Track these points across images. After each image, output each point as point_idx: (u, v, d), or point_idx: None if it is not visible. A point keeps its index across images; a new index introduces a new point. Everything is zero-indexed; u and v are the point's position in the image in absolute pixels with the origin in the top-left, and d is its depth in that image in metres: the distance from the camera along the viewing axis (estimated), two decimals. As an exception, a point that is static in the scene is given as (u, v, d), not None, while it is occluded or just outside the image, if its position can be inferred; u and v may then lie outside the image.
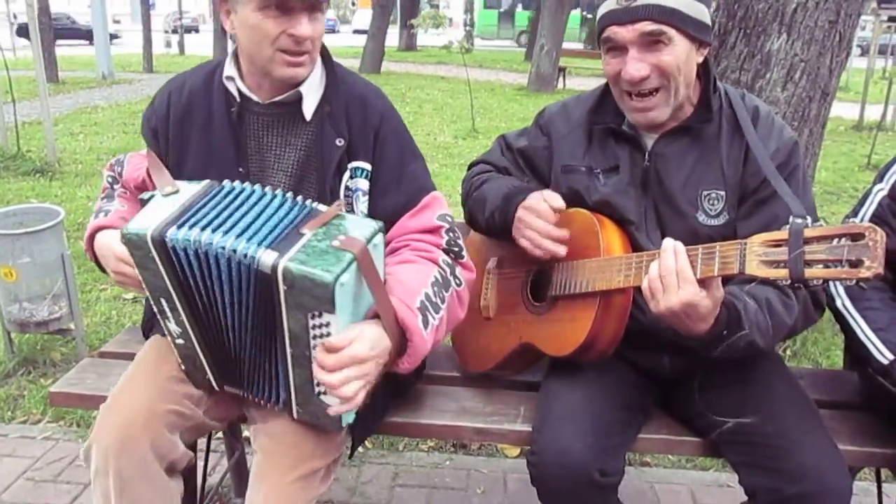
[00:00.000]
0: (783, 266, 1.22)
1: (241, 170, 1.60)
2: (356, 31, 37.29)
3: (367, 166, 1.60)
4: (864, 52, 14.06)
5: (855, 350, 1.69)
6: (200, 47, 22.33)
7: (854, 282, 1.17)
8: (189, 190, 1.47)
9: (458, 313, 1.59)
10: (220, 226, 1.37)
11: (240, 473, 2.38)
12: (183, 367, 1.60)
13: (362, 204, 1.60)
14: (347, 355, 1.30)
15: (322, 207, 1.44)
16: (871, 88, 10.72)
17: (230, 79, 1.60)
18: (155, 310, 1.51)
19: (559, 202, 1.62)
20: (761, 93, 2.93)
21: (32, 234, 2.92)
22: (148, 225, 1.38)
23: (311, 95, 1.60)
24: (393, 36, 26.36)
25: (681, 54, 1.52)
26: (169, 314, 1.49)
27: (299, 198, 1.45)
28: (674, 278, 1.34)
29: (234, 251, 1.34)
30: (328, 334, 1.33)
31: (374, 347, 1.34)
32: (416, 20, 11.34)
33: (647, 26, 1.50)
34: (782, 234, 1.24)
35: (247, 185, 1.46)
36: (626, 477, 1.54)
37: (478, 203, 1.79)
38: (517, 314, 1.77)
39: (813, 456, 1.46)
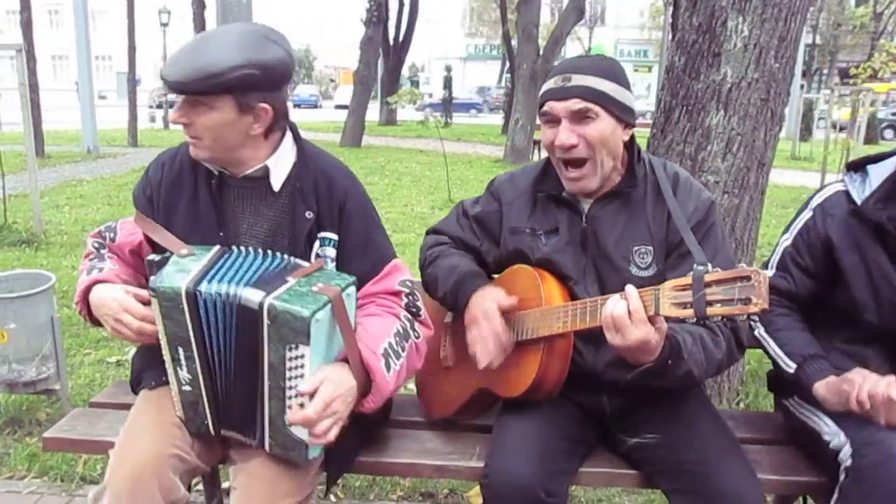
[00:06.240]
0: (690, 307, 1.44)
1: (221, 234, 1.80)
2: (338, 107, 38.19)
3: (334, 236, 1.81)
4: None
5: (774, 367, 1.95)
6: (185, 122, 22.72)
7: (746, 317, 1.39)
8: (204, 252, 1.69)
9: (416, 363, 1.82)
10: (233, 278, 1.61)
11: (218, 521, 2.50)
12: (182, 415, 1.74)
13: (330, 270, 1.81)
14: (320, 401, 1.52)
15: (306, 264, 1.71)
16: (830, 158, 11.24)
17: None
18: (168, 359, 1.67)
19: (510, 302, 1.82)
20: (704, 163, 3.20)
21: (25, 298, 3.08)
22: (179, 280, 1.59)
23: (279, 169, 1.79)
24: (374, 110, 27.04)
25: (605, 129, 1.77)
26: (183, 362, 1.66)
27: (294, 259, 1.70)
28: (627, 321, 1.51)
29: (231, 294, 1.57)
30: (302, 366, 1.55)
31: (339, 387, 1.57)
32: (392, 98, 11.73)
33: (578, 104, 1.76)
34: (687, 279, 1.45)
35: (254, 250, 1.70)
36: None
37: (430, 279, 2.00)
38: (473, 363, 1.95)
39: (730, 479, 1.65)
